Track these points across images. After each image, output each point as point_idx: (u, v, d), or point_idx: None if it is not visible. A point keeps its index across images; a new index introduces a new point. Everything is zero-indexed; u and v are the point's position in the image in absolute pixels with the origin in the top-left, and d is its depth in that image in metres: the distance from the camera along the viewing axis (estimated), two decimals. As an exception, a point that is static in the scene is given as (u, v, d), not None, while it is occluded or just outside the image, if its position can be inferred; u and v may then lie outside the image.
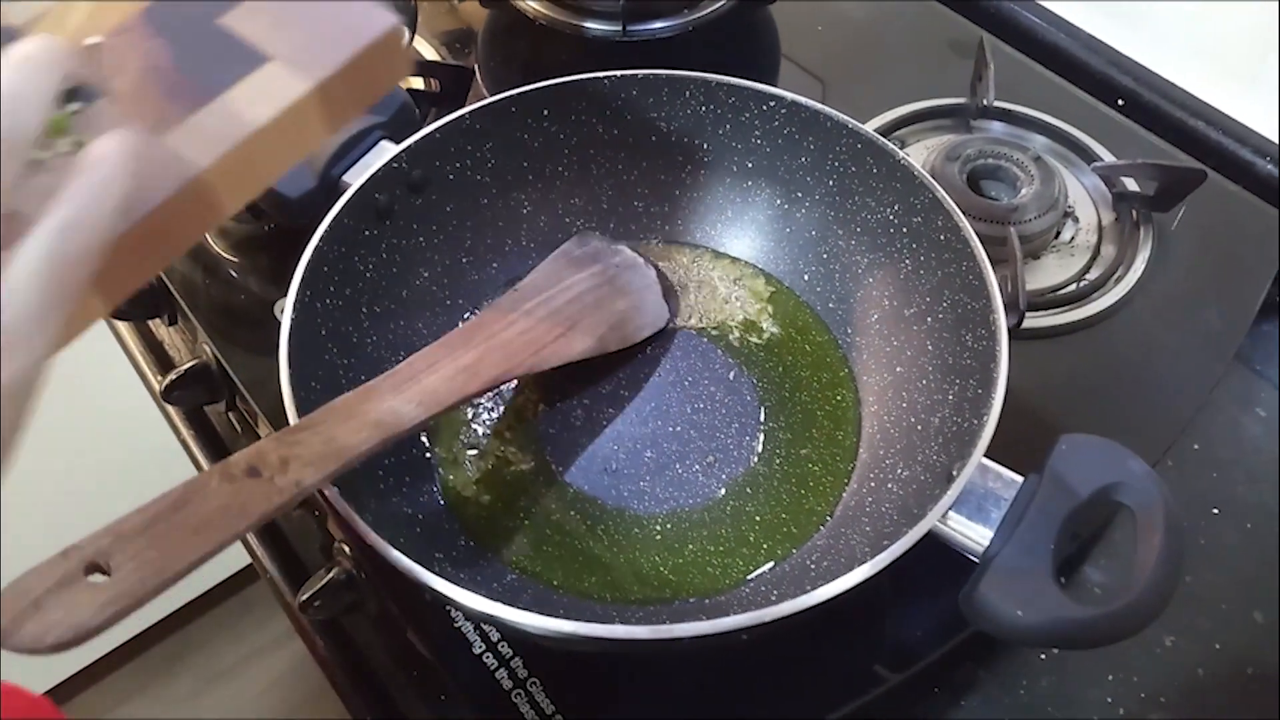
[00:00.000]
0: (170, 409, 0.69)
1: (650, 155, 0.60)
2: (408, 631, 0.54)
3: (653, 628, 0.40)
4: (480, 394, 0.49)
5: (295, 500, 0.40)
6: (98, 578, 0.35)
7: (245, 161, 0.38)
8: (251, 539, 0.63)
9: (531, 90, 0.57)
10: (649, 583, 0.50)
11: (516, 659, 0.51)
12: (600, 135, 0.59)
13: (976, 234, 0.61)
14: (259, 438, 0.60)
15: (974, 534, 0.42)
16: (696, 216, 0.62)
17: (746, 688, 0.50)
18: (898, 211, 0.54)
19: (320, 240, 0.50)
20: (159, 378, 0.68)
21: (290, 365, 0.46)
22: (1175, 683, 0.54)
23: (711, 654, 0.50)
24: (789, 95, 0.56)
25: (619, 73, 0.57)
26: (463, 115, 0.56)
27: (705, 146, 0.60)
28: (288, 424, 0.44)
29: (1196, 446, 0.63)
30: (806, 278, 0.59)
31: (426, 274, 0.57)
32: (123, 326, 0.74)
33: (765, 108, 0.57)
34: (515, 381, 0.57)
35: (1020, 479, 0.44)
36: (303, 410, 0.45)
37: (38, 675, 1.19)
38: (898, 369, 0.54)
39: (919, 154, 0.70)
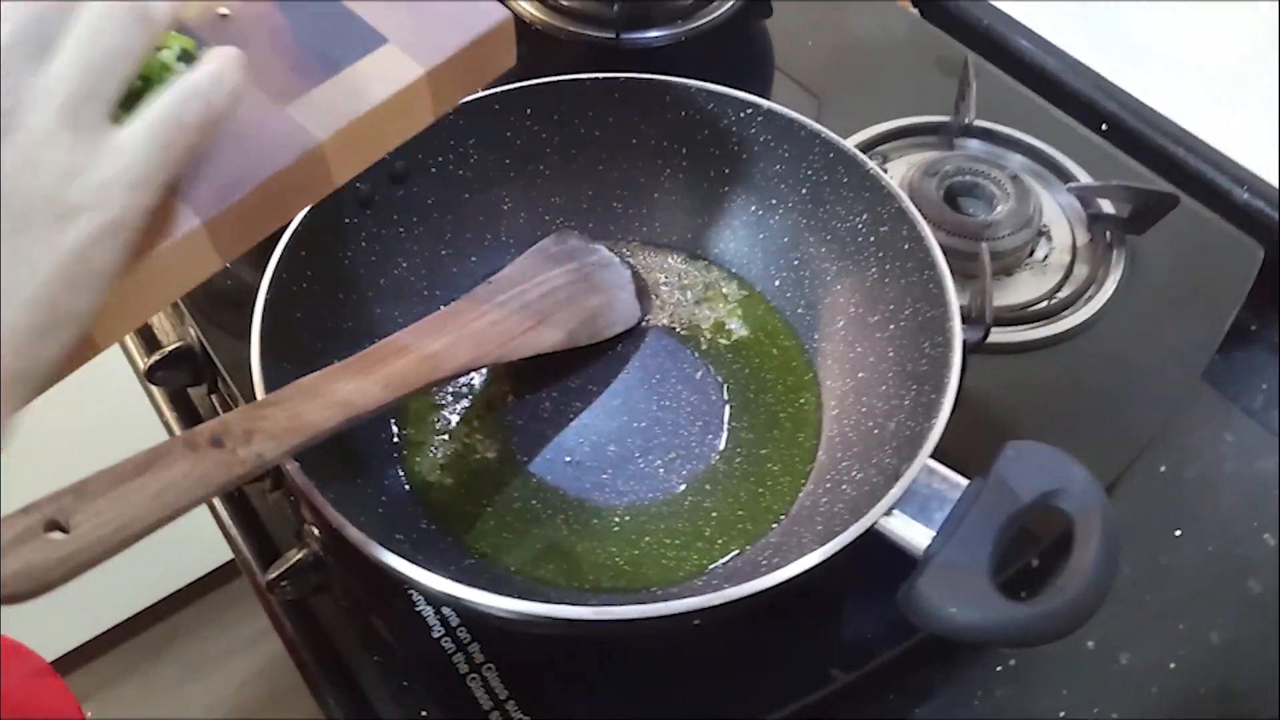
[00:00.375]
0: (154, 390, 0.71)
1: (630, 157, 0.62)
2: (370, 614, 0.55)
3: (596, 609, 0.42)
4: (448, 380, 0.50)
5: (255, 472, 0.41)
6: (57, 535, 0.36)
7: (358, 137, 0.40)
8: (227, 520, 0.64)
9: (515, 89, 0.58)
10: (605, 572, 0.51)
11: (474, 644, 0.52)
12: (582, 136, 0.61)
13: (950, 249, 0.63)
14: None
15: (916, 533, 0.43)
16: (673, 219, 0.63)
17: (699, 681, 0.51)
18: (866, 221, 0.55)
19: (299, 225, 0.52)
20: (145, 358, 0.69)
21: (262, 344, 0.48)
22: (1128, 699, 0.55)
23: (663, 645, 0.51)
24: (765, 103, 0.57)
25: (601, 75, 0.59)
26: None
27: (684, 151, 0.61)
28: (257, 397, 0.45)
29: (1163, 468, 0.63)
30: (777, 283, 0.61)
31: (405, 264, 0.59)
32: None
33: (742, 114, 0.58)
34: (486, 371, 0.58)
35: (965, 482, 0.45)
36: (271, 388, 0.46)
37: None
38: (860, 374, 0.55)
39: (900, 169, 0.71)
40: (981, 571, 0.42)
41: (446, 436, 0.56)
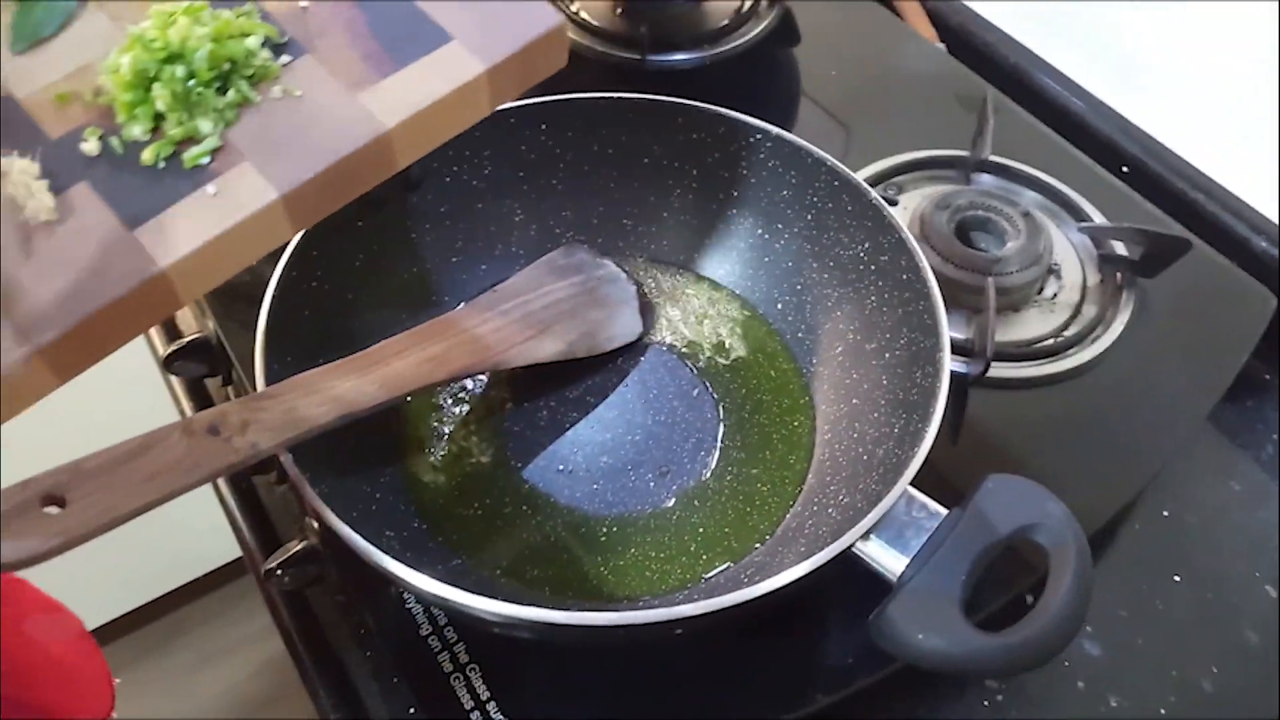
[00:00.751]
0: (172, 379, 0.73)
1: (641, 176, 0.63)
2: (362, 609, 0.56)
3: (576, 613, 0.42)
4: (445, 383, 0.52)
5: (247, 461, 0.42)
6: (52, 509, 0.38)
7: (421, 126, 0.43)
8: (234, 510, 0.66)
9: (531, 104, 0.60)
10: (588, 580, 0.52)
11: (460, 644, 0.53)
12: (595, 153, 0.62)
13: (958, 282, 0.64)
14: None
15: (891, 559, 0.44)
16: (681, 239, 0.64)
17: (679, 692, 0.52)
18: (868, 249, 0.56)
19: (311, 228, 0.53)
20: (165, 347, 0.71)
21: (266, 338, 0.49)
22: (1116, 743, 0.54)
23: (644, 656, 0.52)
24: (774, 129, 0.58)
25: (615, 95, 0.60)
26: (462, 121, 0.58)
27: (694, 172, 0.62)
28: (256, 387, 0.47)
29: (1166, 513, 0.63)
30: (779, 306, 0.61)
31: (415, 269, 0.60)
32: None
33: (752, 139, 0.59)
34: (486, 377, 0.59)
35: (944, 511, 0.45)
36: (272, 383, 0.48)
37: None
38: (854, 400, 0.55)
39: (914, 200, 0.71)
40: (953, 600, 0.42)
41: (444, 438, 0.57)
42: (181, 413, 0.73)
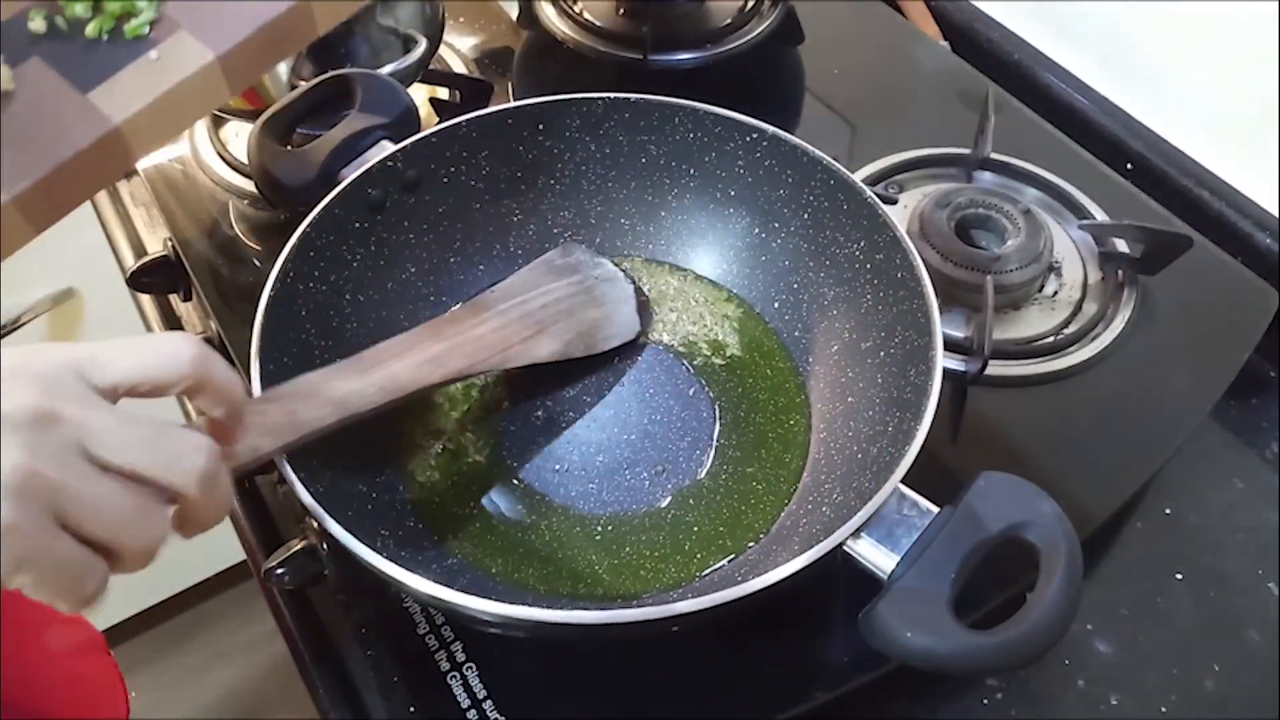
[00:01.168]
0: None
1: (639, 176, 0.63)
2: (361, 608, 0.56)
3: (569, 612, 0.43)
4: (443, 384, 0.52)
5: (248, 464, 0.43)
6: None
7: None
8: (237, 510, 0.66)
9: (529, 105, 0.60)
10: (583, 579, 0.52)
11: (457, 643, 0.53)
12: (592, 153, 0.62)
13: (957, 280, 0.64)
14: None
15: (882, 557, 0.44)
16: (678, 238, 0.64)
17: (675, 691, 0.52)
18: (863, 248, 0.56)
19: (308, 226, 0.54)
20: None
21: (262, 339, 0.50)
22: (1116, 741, 0.54)
23: (639, 654, 0.52)
24: (770, 129, 0.58)
25: (613, 95, 0.60)
26: (460, 122, 0.59)
27: (691, 172, 0.62)
28: (252, 387, 0.47)
29: (1168, 511, 0.63)
30: (776, 305, 0.61)
31: (413, 269, 0.60)
32: (145, 299, 0.79)
33: (749, 139, 0.59)
34: (484, 376, 0.59)
35: (935, 509, 0.45)
36: (265, 381, 0.48)
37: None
38: (849, 399, 0.55)
39: (914, 198, 0.71)
40: (942, 599, 0.42)
41: (439, 438, 0.57)
42: (185, 414, 0.73)
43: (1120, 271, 0.68)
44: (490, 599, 0.42)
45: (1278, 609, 0.58)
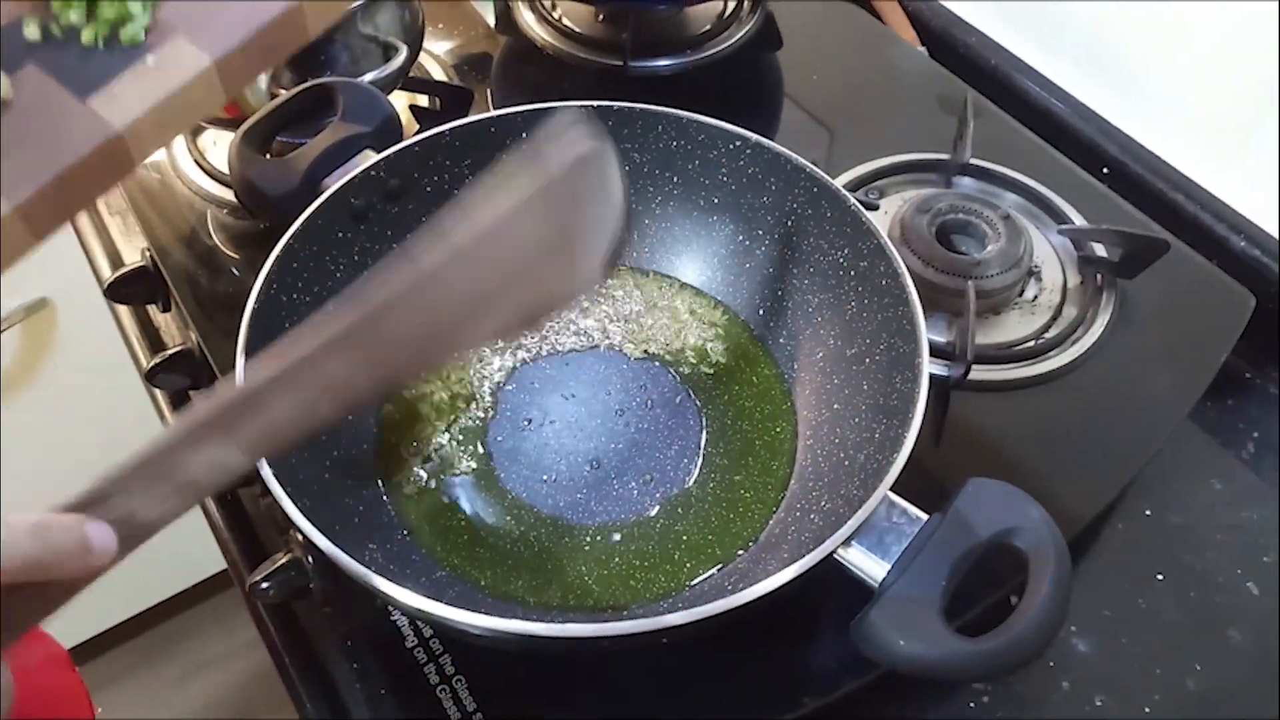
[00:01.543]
0: (156, 392, 0.73)
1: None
2: (348, 622, 0.56)
3: (559, 625, 0.43)
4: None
5: None
6: None
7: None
8: (219, 523, 0.66)
9: (510, 113, 0.60)
10: (573, 590, 0.52)
11: (445, 656, 0.53)
12: (576, 161, 0.62)
13: (939, 286, 0.64)
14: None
15: (872, 564, 0.44)
16: (663, 246, 0.64)
17: (667, 702, 0.52)
18: (847, 255, 0.56)
19: (291, 237, 0.53)
20: (148, 360, 0.71)
21: (247, 351, 0.49)
22: (1101, 741, 0.55)
23: (629, 665, 0.52)
24: (753, 136, 0.59)
25: (595, 102, 0.60)
26: (442, 131, 0.59)
27: (674, 179, 0.62)
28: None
29: (1148, 512, 0.64)
30: (761, 312, 0.61)
31: (397, 279, 0.60)
32: (122, 310, 0.78)
33: (732, 146, 0.59)
34: (468, 386, 0.59)
35: (924, 516, 0.45)
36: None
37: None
38: (835, 406, 0.56)
39: (894, 204, 0.71)
40: (933, 606, 0.42)
41: (427, 450, 0.57)
42: (165, 425, 0.73)
43: (1099, 275, 0.68)
44: (480, 612, 0.42)
45: (1259, 607, 0.59)
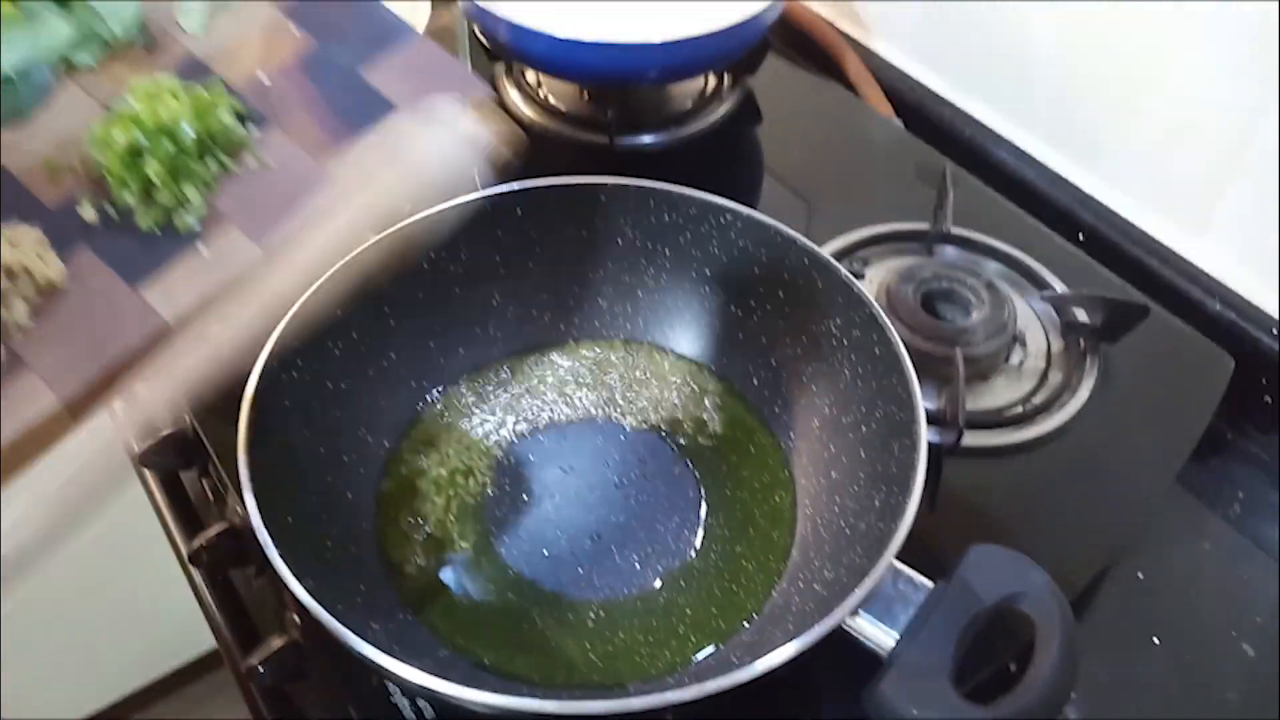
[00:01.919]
0: (147, 473, 0.72)
1: (615, 257, 0.64)
2: (347, 704, 0.55)
3: (567, 704, 0.42)
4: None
5: None
6: None
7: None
8: (210, 604, 0.65)
9: (506, 192, 0.61)
10: (578, 668, 0.51)
11: (446, 737, 0.52)
12: (569, 236, 0.63)
13: (926, 353, 0.65)
14: (226, 504, 0.63)
15: (881, 634, 0.44)
16: (656, 317, 0.65)
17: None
18: (839, 325, 0.57)
19: (291, 317, 0.53)
20: (138, 443, 0.71)
21: (249, 431, 0.49)
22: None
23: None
24: (744, 210, 0.60)
25: (588, 180, 0.61)
26: (438, 210, 0.59)
27: (667, 252, 0.63)
28: (240, 480, 0.47)
29: (1141, 575, 0.64)
30: (755, 382, 0.62)
31: (394, 355, 0.60)
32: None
33: (723, 219, 0.61)
34: (464, 461, 0.59)
35: (930, 584, 0.45)
36: (256, 477, 0.48)
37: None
38: (833, 474, 0.56)
39: (879, 273, 0.73)
40: (943, 673, 0.42)
41: (425, 527, 0.57)
42: (155, 505, 0.72)
43: (1082, 340, 0.70)
44: (485, 690, 0.41)
45: (1255, 668, 0.59)
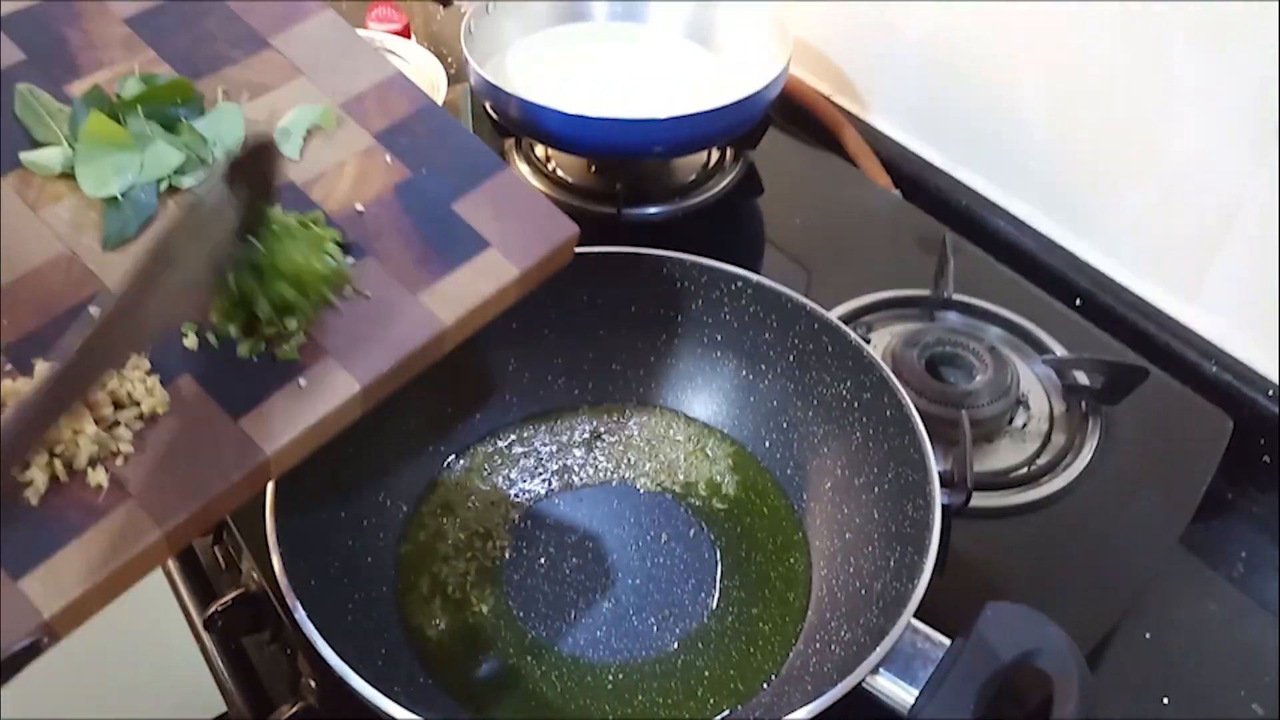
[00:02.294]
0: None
1: (629, 324, 0.65)
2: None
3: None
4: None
5: None
6: None
7: (470, 319, 0.51)
8: (222, 671, 0.65)
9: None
10: (598, 730, 0.52)
11: (465, 801, 0.52)
12: (584, 303, 0.65)
13: (932, 416, 0.66)
14: (240, 571, 0.63)
15: (901, 691, 0.45)
16: (669, 382, 0.66)
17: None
18: (850, 388, 0.59)
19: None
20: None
21: (276, 498, 0.50)
22: None
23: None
24: (755, 277, 0.62)
25: (603, 250, 0.63)
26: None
27: (679, 319, 0.65)
28: (269, 543, 0.48)
29: (1148, 635, 0.65)
30: (767, 444, 0.63)
31: (413, 421, 0.61)
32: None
33: (734, 287, 0.62)
34: (482, 528, 0.60)
35: (948, 641, 0.46)
36: (283, 542, 0.49)
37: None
38: (847, 535, 0.57)
39: (883, 339, 0.75)
40: (964, 730, 0.43)
41: (444, 591, 0.57)
42: (167, 572, 0.72)
43: (1084, 403, 0.71)
44: None
45: (1266, 727, 0.60)
